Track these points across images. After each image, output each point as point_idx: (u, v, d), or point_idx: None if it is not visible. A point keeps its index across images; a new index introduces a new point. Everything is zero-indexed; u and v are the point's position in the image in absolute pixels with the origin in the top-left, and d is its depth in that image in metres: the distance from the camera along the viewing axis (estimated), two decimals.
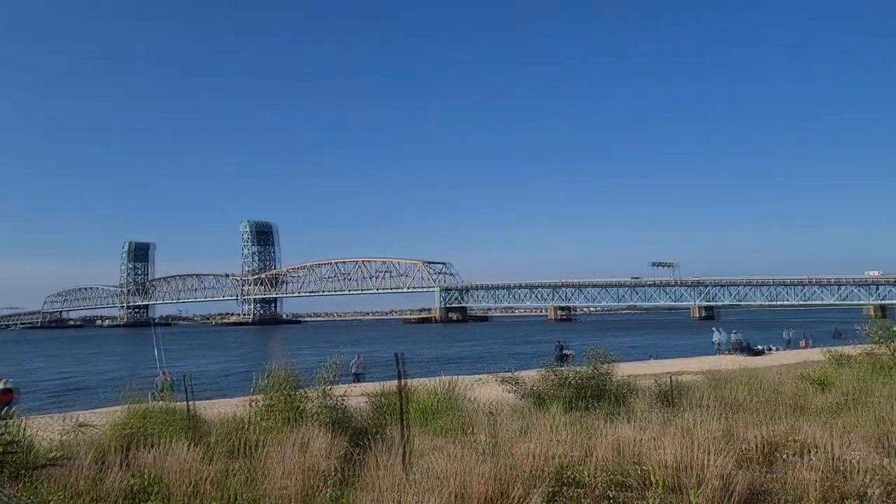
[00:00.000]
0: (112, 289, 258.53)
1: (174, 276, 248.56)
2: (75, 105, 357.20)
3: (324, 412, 9.76)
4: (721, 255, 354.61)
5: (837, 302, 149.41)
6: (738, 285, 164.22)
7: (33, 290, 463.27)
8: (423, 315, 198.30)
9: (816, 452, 6.83)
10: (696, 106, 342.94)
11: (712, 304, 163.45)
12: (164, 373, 19.75)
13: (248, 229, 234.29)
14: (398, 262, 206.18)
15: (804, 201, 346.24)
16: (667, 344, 63.61)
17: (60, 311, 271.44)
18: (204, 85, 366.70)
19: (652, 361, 36.42)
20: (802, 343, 48.06)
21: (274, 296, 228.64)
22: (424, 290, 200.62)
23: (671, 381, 12.91)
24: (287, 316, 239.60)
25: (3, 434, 5.93)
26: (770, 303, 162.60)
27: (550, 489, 6.12)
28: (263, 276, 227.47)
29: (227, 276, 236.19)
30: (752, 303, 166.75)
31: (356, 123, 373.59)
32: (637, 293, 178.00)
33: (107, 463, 7.11)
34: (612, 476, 6.31)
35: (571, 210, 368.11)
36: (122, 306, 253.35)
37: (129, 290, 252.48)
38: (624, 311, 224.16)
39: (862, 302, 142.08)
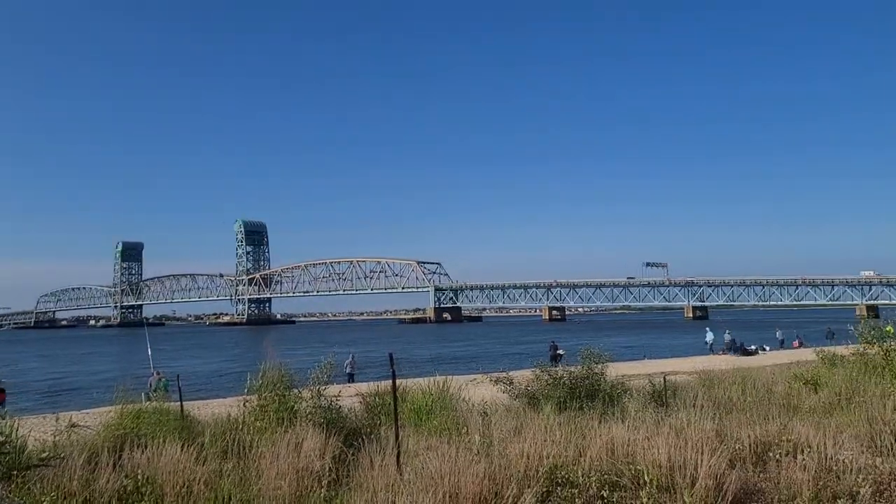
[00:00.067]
0: (104, 289, 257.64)
1: (167, 276, 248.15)
2: (75, 105, 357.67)
3: (317, 412, 9.74)
4: (717, 255, 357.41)
5: (829, 302, 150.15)
6: (731, 285, 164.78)
7: (25, 290, 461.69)
8: (417, 315, 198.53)
9: (809, 452, 6.85)
10: (696, 106, 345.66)
11: (705, 304, 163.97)
12: (157, 373, 19.70)
13: (241, 229, 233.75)
14: (392, 262, 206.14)
15: (804, 201, 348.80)
16: (660, 344, 63.80)
17: (53, 311, 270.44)
18: (204, 85, 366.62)
19: (645, 361, 36.50)
20: (795, 343, 48.23)
21: (267, 296, 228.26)
22: (418, 290, 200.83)
23: (664, 381, 12.93)
24: (280, 316, 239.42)
25: None
26: (763, 303, 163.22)
27: (544, 489, 6.13)
28: (257, 276, 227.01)
29: (220, 276, 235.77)
30: (745, 303, 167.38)
31: (356, 123, 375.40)
32: (630, 293, 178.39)
33: (99, 463, 7.08)
34: (605, 476, 6.32)
35: (568, 210, 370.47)
36: (115, 306, 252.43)
37: (121, 291, 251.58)
38: (617, 312, 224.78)
39: (854, 302, 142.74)
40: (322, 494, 6.59)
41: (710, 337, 46.92)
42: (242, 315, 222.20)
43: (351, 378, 28.13)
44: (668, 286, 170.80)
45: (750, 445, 7.58)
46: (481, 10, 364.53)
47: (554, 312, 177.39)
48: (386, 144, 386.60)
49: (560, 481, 6.29)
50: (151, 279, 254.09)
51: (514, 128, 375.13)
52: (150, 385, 18.24)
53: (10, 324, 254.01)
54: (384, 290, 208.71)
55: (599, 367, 12.68)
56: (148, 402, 11.09)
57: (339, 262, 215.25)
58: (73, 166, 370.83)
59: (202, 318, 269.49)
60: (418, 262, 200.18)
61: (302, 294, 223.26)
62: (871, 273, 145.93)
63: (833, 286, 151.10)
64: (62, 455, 7.29)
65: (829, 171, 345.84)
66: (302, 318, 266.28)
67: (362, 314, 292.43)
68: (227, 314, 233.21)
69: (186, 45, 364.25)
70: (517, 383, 12.91)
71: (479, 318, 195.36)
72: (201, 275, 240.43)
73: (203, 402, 17.83)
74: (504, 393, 12.89)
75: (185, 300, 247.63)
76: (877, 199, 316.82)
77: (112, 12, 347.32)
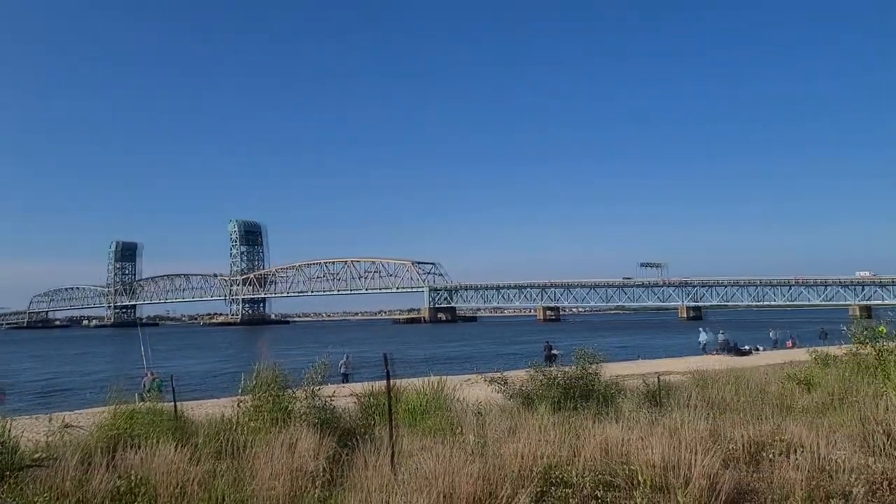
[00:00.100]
0: (98, 289, 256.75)
1: (161, 276, 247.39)
2: (73, 105, 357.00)
3: (312, 413, 9.73)
4: (717, 256, 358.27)
5: (823, 302, 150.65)
6: (725, 286, 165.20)
7: (18, 290, 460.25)
8: (412, 315, 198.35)
9: (802, 452, 6.88)
10: (696, 106, 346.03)
11: (699, 304, 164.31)
12: (151, 373, 19.64)
13: (236, 229, 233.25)
14: (387, 263, 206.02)
15: (804, 201, 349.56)
16: (655, 344, 63.90)
17: (46, 312, 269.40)
18: (203, 85, 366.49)
19: (640, 361, 36.56)
20: (789, 343, 48.37)
21: (262, 296, 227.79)
22: (413, 290, 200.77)
23: (658, 382, 12.97)
24: (275, 316, 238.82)
25: None
26: (757, 303, 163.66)
27: (538, 489, 6.13)
28: (251, 276, 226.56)
29: (214, 276, 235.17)
30: (739, 303, 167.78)
31: (356, 123, 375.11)
32: (625, 293, 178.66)
33: (93, 464, 7.06)
34: (599, 476, 6.33)
35: (568, 210, 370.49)
36: (109, 306, 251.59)
37: (115, 290, 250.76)
38: (612, 312, 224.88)
39: (847, 302, 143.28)
40: (316, 495, 6.58)
41: (703, 337, 47.02)
42: (237, 315, 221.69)
43: (345, 378, 28.13)
44: (662, 286, 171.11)
45: (743, 445, 7.60)
46: (481, 10, 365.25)
47: (549, 313, 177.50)
48: (386, 144, 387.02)
49: (555, 481, 6.30)
50: (146, 279, 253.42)
51: (514, 128, 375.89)
52: (144, 385, 18.18)
53: (3, 324, 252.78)
54: (379, 291, 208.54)
55: (594, 367, 12.70)
56: (142, 403, 11.06)
57: (333, 263, 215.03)
58: (68, 166, 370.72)
59: (197, 319, 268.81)
60: (413, 263, 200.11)
61: (297, 294, 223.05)
62: (867, 273, 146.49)
63: (826, 286, 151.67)
64: (55, 456, 7.27)
65: (829, 171, 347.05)
66: (297, 319, 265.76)
67: (357, 314, 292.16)
68: (221, 314, 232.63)
69: (186, 45, 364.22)
70: (512, 383, 12.92)
71: (474, 319, 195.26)
72: (196, 275, 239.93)
73: (197, 403, 17.78)
74: (499, 393, 12.90)
75: (179, 300, 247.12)
76: (877, 199, 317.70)
77: (112, 12, 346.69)
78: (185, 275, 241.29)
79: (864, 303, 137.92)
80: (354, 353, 38.96)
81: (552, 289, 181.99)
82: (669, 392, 12.72)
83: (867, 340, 14.26)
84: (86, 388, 28.90)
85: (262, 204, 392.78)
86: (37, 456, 7.17)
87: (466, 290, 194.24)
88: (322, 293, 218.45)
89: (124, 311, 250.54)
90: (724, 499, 5.91)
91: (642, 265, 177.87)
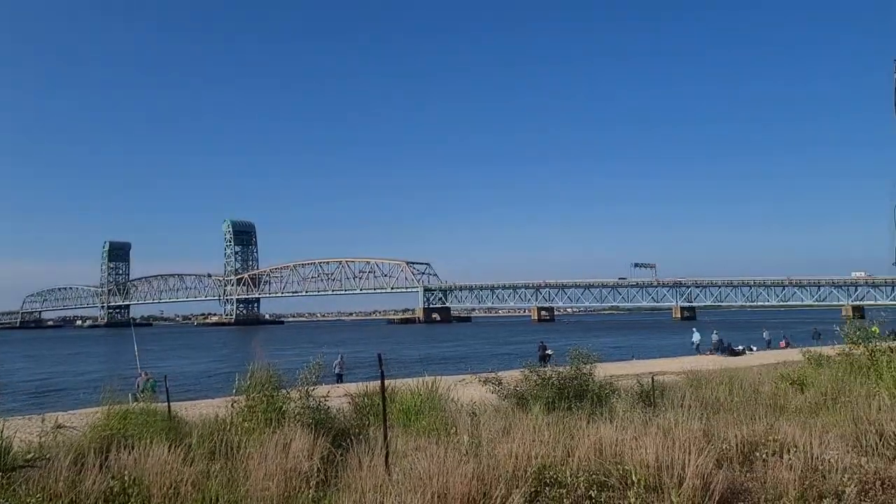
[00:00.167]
0: (91, 289, 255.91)
1: (155, 276, 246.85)
2: (69, 105, 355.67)
3: (306, 413, 9.71)
4: (717, 256, 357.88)
5: (816, 303, 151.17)
6: (719, 286, 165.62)
7: (11, 290, 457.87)
8: (406, 315, 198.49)
9: (795, 452, 6.90)
10: (696, 106, 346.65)
11: (693, 304, 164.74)
12: (144, 373, 19.60)
13: (230, 229, 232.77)
14: (381, 263, 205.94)
15: (804, 201, 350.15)
16: (648, 344, 64.07)
17: (39, 312, 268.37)
18: (203, 85, 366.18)
19: (633, 362, 36.63)
20: (782, 343, 48.53)
21: (256, 296, 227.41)
22: (407, 290, 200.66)
23: (652, 382, 12.99)
24: (269, 316, 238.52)
25: None
26: (750, 304, 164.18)
27: (532, 489, 6.14)
28: (245, 276, 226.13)
29: (208, 276, 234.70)
30: (733, 303, 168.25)
31: (356, 123, 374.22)
32: (619, 294, 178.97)
33: (85, 465, 7.03)
34: (593, 476, 6.33)
35: (568, 210, 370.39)
36: (102, 306, 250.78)
37: (108, 291, 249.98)
38: (606, 312, 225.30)
39: (840, 303, 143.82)
40: (310, 495, 6.58)
41: (696, 337, 47.15)
42: (231, 315, 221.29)
43: (340, 378, 28.08)
44: (656, 287, 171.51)
45: (737, 445, 7.62)
46: (481, 10, 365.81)
47: (543, 313, 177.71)
48: (386, 144, 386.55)
49: (548, 481, 6.31)
50: (139, 279, 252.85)
51: (514, 128, 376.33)
52: (138, 385, 18.16)
53: None
54: (373, 291, 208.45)
55: (588, 367, 12.72)
56: (135, 403, 11.03)
57: (328, 263, 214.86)
58: (61, 166, 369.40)
59: (190, 319, 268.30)
60: (407, 263, 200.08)
61: (291, 294, 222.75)
62: (862, 274, 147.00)
63: (819, 287, 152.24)
64: (48, 456, 7.24)
65: (829, 171, 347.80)
66: (291, 319, 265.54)
67: (351, 314, 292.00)
68: (215, 314, 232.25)
69: (186, 45, 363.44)
70: (506, 384, 12.92)
71: (468, 319, 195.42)
72: (189, 275, 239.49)
73: (191, 403, 17.74)
74: (493, 393, 12.91)
75: (172, 300, 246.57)
76: (877, 199, 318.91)
77: (112, 12, 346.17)
78: (178, 275, 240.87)
79: (857, 303, 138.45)
80: (349, 353, 38.93)
81: (546, 289, 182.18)
82: (663, 392, 12.74)
83: (860, 341, 14.34)
84: (79, 389, 28.85)
85: (260, 204, 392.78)
86: (29, 456, 7.14)
87: (461, 290, 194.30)
88: (316, 293, 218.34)
89: (117, 311, 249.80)
90: (717, 498, 5.92)
91: (636, 265, 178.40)
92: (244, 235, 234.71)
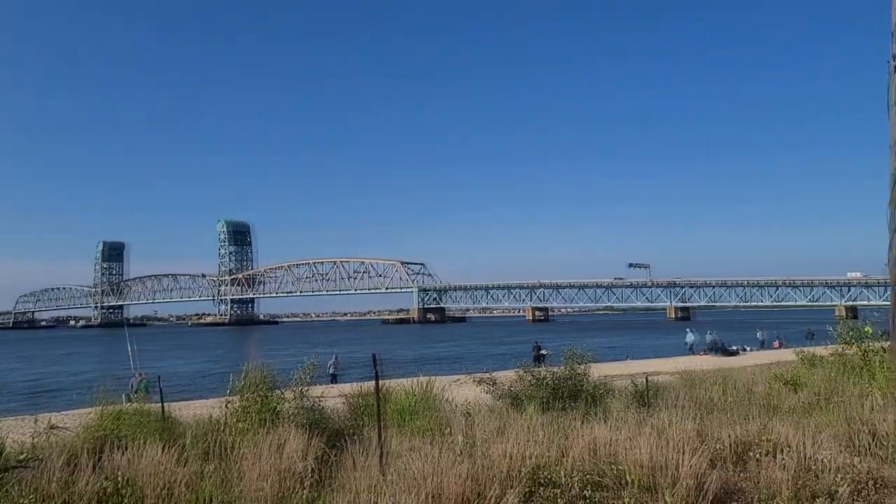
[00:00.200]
0: (85, 289, 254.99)
1: (149, 277, 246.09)
2: (65, 105, 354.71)
3: (300, 413, 9.71)
4: (716, 256, 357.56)
5: (809, 303, 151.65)
6: (713, 286, 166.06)
7: (4, 290, 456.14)
8: (401, 315, 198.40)
9: (788, 452, 6.92)
10: (696, 106, 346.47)
11: (687, 304, 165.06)
12: (138, 374, 19.54)
13: (224, 229, 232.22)
14: (376, 263, 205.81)
15: (804, 201, 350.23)
16: (643, 344, 64.18)
17: (32, 312, 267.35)
18: (202, 85, 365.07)
19: (628, 362, 36.72)
20: (776, 343, 48.68)
21: (251, 296, 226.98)
22: (402, 290, 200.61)
23: (647, 382, 13.01)
24: (264, 316, 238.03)
25: None
26: (744, 304, 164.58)
27: (526, 489, 6.14)
28: (240, 276, 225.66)
29: (203, 276, 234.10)
30: (727, 304, 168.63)
31: (356, 123, 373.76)
32: (614, 294, 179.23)
33: (79, 465, 7.00)
34: (587, 476, 6.34)
35: (564, 210, 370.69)
36: (96, 306, 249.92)
37: (102, 291, 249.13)
38: (601, 312, 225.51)
39: (833, 303, 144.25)
40: (304, 495, 6.57)
41: (690, 338, 47.25)
42: (225, 315, 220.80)
43: (334, 379, 28.09)
44: (650, 287, 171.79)
45: (730, 445, 7.64)
46: (481, 10, 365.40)
47: (538, 313, 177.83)
48: (386, 144, 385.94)
49: (543, 481, 6.31)
50: (133, 279, 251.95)
51: (514, 128, 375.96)
52: (132, 386, 18.09)
53: None
54: (368, 291, 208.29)
55: (582, 367, 12.73)
56: (129, 404, 10.99)
57: (322, 263, 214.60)
58: (56, 166, 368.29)
59: (185, 319, 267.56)
60: (402, 263, 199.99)
61: (285, 294, 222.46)
62: (858, 274, 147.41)
63: (813, 287, 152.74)
64: (41, 457, 7.22)
65: (829, 171, 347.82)
66: (285, 319, 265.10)
67: (346, 315, 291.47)
68: (209, 314, 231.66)
69: (186, 45, 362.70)
70: (500, 384, 12.92)
71: (463, 319, 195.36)
72: (184, 275, 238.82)
73: (185, 403, 17.69)
74: (487, 393, 12.91)
75: (167, 300, 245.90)
76: (876, 199, 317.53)
77: (112, 12, 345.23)
78: (172, 275, 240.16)
79: (850, 303, 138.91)
80: (343, 353, 38.92)
81: (541, 289, 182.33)
82: (657, 392, 12.77)
83: (853, 341, 14.38)
84: (72, 389, 28.72)
85: (260, 204, 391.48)
86: (22, 457, 7.11)
87: (455, 290, 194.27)
88: (311, 293, 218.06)
89: (111, 311, 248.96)
90: (711, 498, 5.94)
91: (631, 266, 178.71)
92: (239, 235, 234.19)
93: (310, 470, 7.15)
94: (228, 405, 10.08)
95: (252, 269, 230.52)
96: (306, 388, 10.28)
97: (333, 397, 11.97)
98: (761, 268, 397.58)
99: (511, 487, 5.96)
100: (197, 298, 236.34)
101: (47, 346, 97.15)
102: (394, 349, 62.35)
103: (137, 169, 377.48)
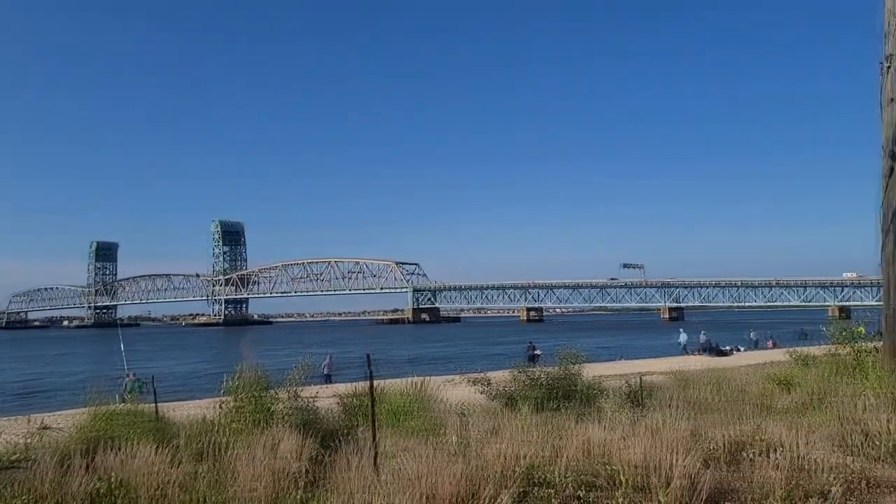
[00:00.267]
0: (78, 289, 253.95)
1: (142, 276, 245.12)
2: (61, 104, 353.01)
3: (294, 414, 9.69)
4: (716, 256, 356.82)
5: (802, 303, 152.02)
6: (706, 287, 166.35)
7: None
8: (395, 316, 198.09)
9: (781, 451, 6.94)
10: (696, 106, 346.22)
11: (680, 305, 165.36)
12: (131, 374, 19.49)
13: (218, 229, 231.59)
14: (370, 263, 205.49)
15: (804, 201, 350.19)
16: (637, 345, 64.31)
17: (25, 312, 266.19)
18: (201, 85, 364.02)
19: (621, 362, 36.76)
20: (769, 344, 48.82)
21: (244, 296, 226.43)
22: (396, 290, 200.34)
23: (640, 382, 13.03)
24: (257, 316, 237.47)
25: None
26: (737, 304, 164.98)
27: (520, 489, 6.14)
28: (234, 276, 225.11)
29: (196, 276, 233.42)
30: (720, 304, 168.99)
31: (356, 123, 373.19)
32: (608, 294, 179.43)
33: (71, 466, 6.98)
34: (581, 476, 6.35)
35: (564, 210, 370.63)
36: (89, 307, 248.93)
37: (95, 291, 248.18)
38: (595, 312, 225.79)
39: (826, 303, 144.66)
40: (298, 496, 6.56)
41: (682, 338, 47.32)
42: (219, 316, 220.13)
43: (328, 379, 27.99)
44: (644, 287, 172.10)
45: (724, 445, 7.66)
46: (481, 10, 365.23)
47: (532, 313, 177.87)
48: (386, 144, 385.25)
49: (537, 481, 6.32)
50: (126, 279, 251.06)
51: (514, 128, 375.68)
52: (125, 386, 18.05)
53: None
54: (362, 291, 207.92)
55: (576, 367, 12.76)
56: (122, 404, 10.96)
57: (316, 263, 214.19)
58: (48, 165, 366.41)
59: (178, 319, 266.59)
60: (397, 263, 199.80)
61: (279, 294, 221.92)
62: (853, 275, 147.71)
63: (806, 288, 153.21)
64: (33, 457, 7.19)
65: (829, 171, 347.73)
66: (279, 319, 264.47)
67: (340, 315, 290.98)
68: (203, 315, 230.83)
69: (186, 45, 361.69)
70: (495, 384, 12.94)
71: (457, 319, 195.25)
72: (177, 275, 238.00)
73: (178, 404, 17.63)
74: (481, 394, 12.92)
75: (160, 300, 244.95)
76: (876, 199, 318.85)
77: (111, 12, 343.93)
78: (166, 275, 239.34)
79: (843, 304, 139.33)
80: (337, 353, 38.85)
81: (535, 290, 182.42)
82: (651, 392, 12.79)
83: (846, 341, 14.44)
84: (65, 389, 28.64)
85: (260, 204, 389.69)
86: (14, 458, 7.10)
87: (450, 290, 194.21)
88: (305, 293, 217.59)
89: (104, 311, 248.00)
90: (704, 498, 5.95)
91: (624, 266, 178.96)
92: (233, 235, 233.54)
93: (304, 470, 7.15)
94: (222, 405, 10.06)
95: (246, 269, 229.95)
96: (300, 389, 10.26)
97: (327, 397, 11.96)
98: (760, 268, 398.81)
99: (505, 488, 5.96)
100: (190, 299, 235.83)
101: (40, 346, 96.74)
102: (388, 349, 62.34)
103: (135, 169, 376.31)
